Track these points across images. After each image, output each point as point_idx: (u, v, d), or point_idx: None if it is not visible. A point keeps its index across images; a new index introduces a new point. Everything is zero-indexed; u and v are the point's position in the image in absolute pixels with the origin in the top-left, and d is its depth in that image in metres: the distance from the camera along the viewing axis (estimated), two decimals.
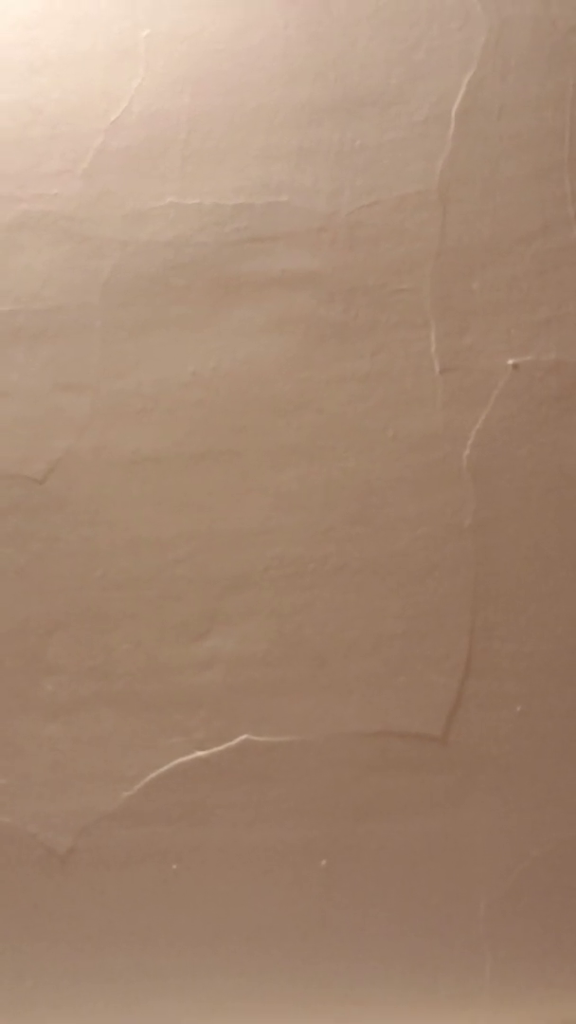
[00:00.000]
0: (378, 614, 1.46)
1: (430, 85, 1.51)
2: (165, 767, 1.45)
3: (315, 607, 1.46)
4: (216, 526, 1.48)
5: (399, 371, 1.48)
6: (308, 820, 1.44)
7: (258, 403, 1.49)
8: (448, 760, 1.44)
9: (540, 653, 1.44)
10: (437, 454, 1.47)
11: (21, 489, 1.49)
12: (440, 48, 1.51)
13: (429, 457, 1.47)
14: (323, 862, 1.43)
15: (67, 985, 1.44)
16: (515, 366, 1.47)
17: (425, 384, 1.48)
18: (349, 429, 1.48)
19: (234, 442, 1.48)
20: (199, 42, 1.53)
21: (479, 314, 1.48)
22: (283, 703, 1.45)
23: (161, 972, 1.44)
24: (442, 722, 1.44)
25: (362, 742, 1.44)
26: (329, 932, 1.43)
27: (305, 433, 1.48)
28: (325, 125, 1.51)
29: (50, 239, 1.52)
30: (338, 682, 1.45)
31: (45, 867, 1.45)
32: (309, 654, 1.45)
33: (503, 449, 1.47)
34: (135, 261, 1.51)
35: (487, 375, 1.47)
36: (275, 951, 1.43)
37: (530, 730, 1.43)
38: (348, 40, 1.52)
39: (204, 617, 1.47)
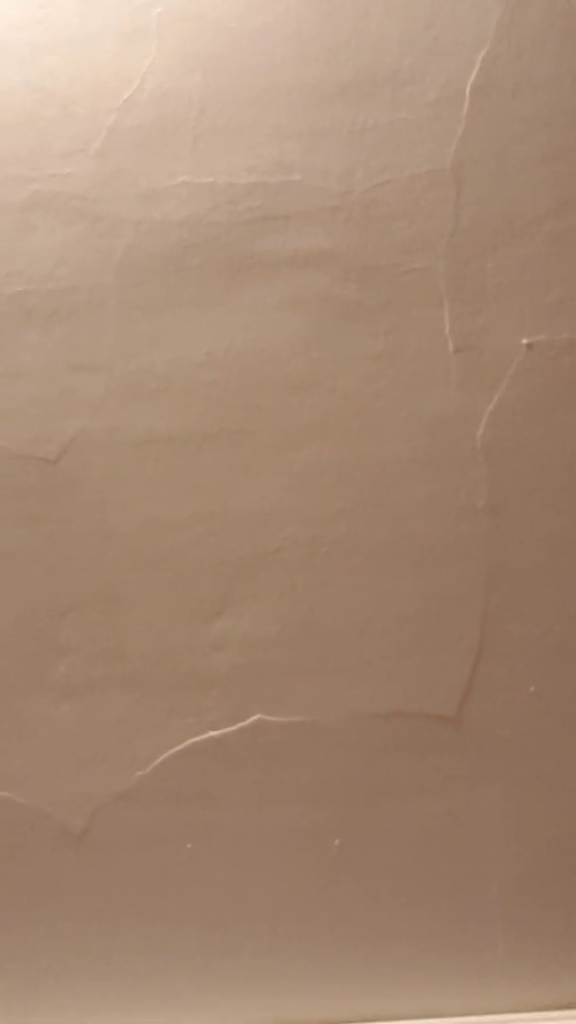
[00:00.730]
0: (391, 595, 1.45)
1: (443, 64, 1.50)
2: (178, 747, 1.45)
3: (328, 588, 1.46)
4: (229, 507, 1.47)
5: (413, 351, 1.48)
6: (321, 801, 1.44)
7: (271, 383, 1.48)
8: (461, 741, 1.44)
9: (553, 634, 1.44)
10: (451, 434, 1.47)
11: (34, 470, 1.49)
12: (453, 26, 1.50)
13: (442, 437, 1.47)
14: (336, 842, 1.43)
15: (81, 964, 1.45)
16: (529, 346, 1.47)
17: (439, 364, 1.47)
18: (362, 409, 1.47)
19: (247, 422, 1.48)
20: (211, 21, 1.52)
21: (493, 294, 1.48)
22: (296, 684, 1.45)
23: (174, 951, 1.44)
24: (455, 703, 1.44)
25: (375, 723, 1.44)
26: (341, 912, 1.43)
27: (318, 413, 1.48)
28: (338, 104, 1.50)
29: (63, 219, 1.51)
30: (351, 663, 1.45)
31: (60, 847, 1.46)
32: (322, 635, 1.45)
33: (517, 429, 1.47)
34: (148, 241, 1.51)
35: (501, 355, 1.47)
36: (287, 931, 1.43)
37: (543, 711, 1.43)
38: (361, 19, 1.51)
39: (217, 598, 1.47)
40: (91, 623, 1.48)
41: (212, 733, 1.45)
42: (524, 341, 1.47)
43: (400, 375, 1.48)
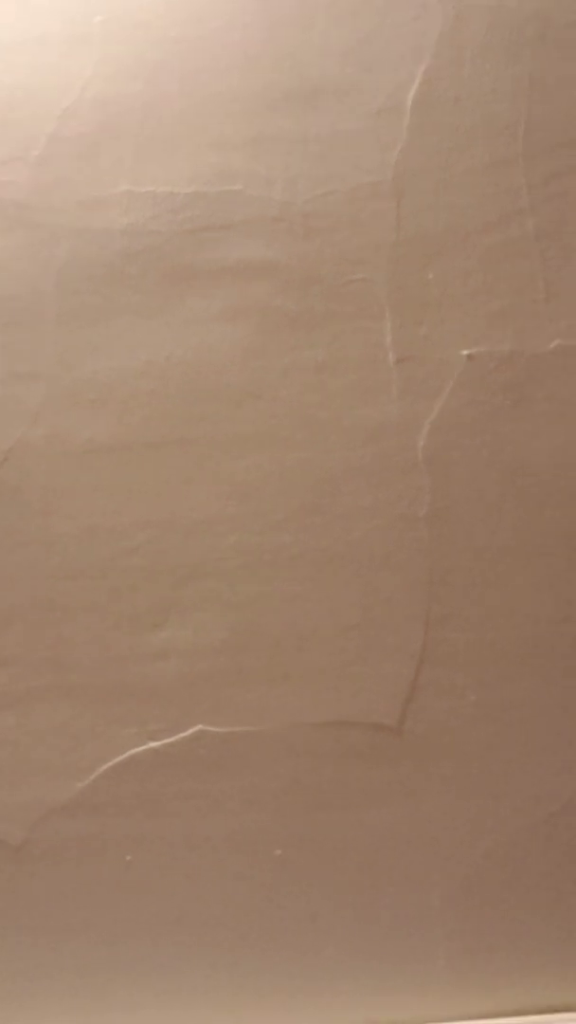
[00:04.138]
0: (333, 604, 1.46)
1: (386, 75, 1.51)
2: (119, 758, 1.44)
3: (270, 597, 1.46)
4: (171, 516, 1.47)
5: (354, 361, 1.48)
6: (263, 810, 1.43)
7: (212, 392, 1.48)
8: (403, 750, 1.44)
9: (495, 643, 1.45)
10: (392, 444, 1.47)
11: None
12: (396, 38, 1.51)
13: (384, 447, 1.47)
14: (278, 852, 1.43)
15: (22, 977, 1.43)
16: (470, 357, 1.48)
17: (380, 374, 1.48)
18: (304, 419, 1.48)
19: (188, 431, 1.48)
20: (154, 28, 1.52)
21: (434, 305, 1.48)
22: (238, 693, 1.45)
23: (117, 963, 1.43)
24: (397, 712, 1.44)
25: (317, 732, 1.44)
26: (284, 921, 1.43)
27: (260, 422, 1.48)
28: (280, 113, 1.51)
29: (2, 226, 1.50)
30: (293, 672, 1.45)
31: None
32: (264, 644, 1.45)
33: (458, 439, 1.47)
34: (88, 249, 1.50)
35: (442, 365, 1.48)
36: (230, 941, 1.42)
37: (485, 719, 1.44)
38: (305, 29, 1.52)
39: (159, 607, 1.46)
40: (32, 632, 1.46)
41: (153, 744, 1.44)
42: (465, 352, 1.48)
43: (342, 385, 1.48)
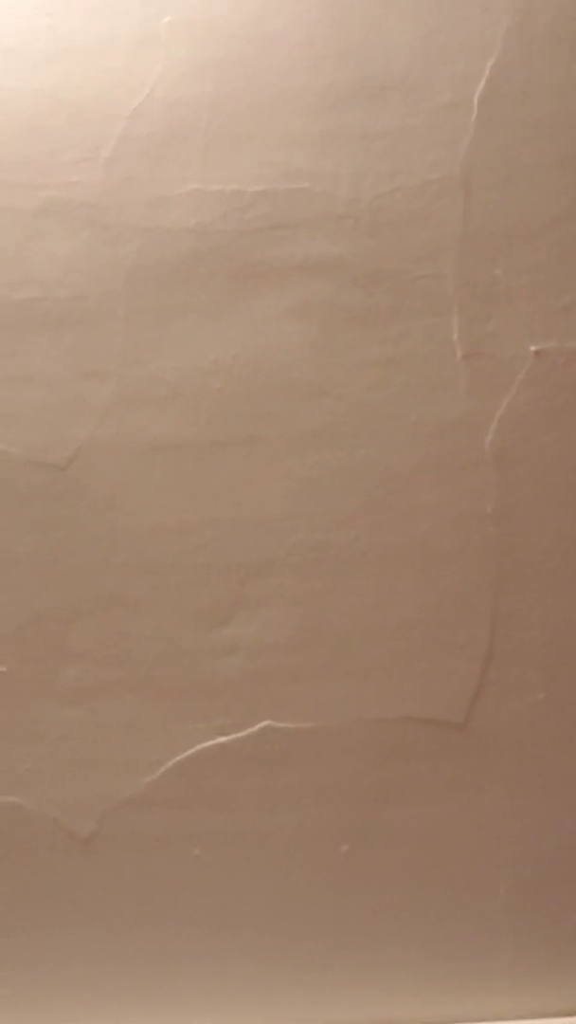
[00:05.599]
0: (399, 600, 1.46)
1: (453, 70, 1.50)
2: (186, 753, 1.45)
3: (336, 593, 1.46)
4: (237, 513, 1.48)
5: (421, 357, 1.48)
6: (329, 806, 1.44)
7: (279, 390, 1.49)
8: (469, 747, 1.44)
9: (562, 640, 1.44)
10: (459, 440, 1.47)
11: (43, 476, 1.50)
12: (463, 32, 1.50)
13: (451, 443, 1.47)
14: (344, 847, 1.44)
15: (86, 969, 1.45)
16: (538, 352, 1.47)
17: (447, 370, 1.47)
18: (371, 415, 1.48)
19: (255, 429, 1.48)
20: (221, 27, 1.52)
21: (502, 300, 1.48)
22: (304, 689, 1.45)
23: (181, 956, 1.44)
24: (463, 709, 1.44)
25: (383, 728, 1.44)
26: (349, 917, 1.43)
27: (327, 420, 1.48)
28: (347, 110, 1.50)
29: (72, 226, 1.52)
30: (359, 668, 1.45)
31: (67, 852, 1.46)
32: (330, 640, 1.46)
33: (525, 436, 1.47)
34: (157, 248, 1.51)
35: (509, 361, 1.47)
36: (294, 936, 1.43)
37: (551, 717, 1.43)
38: (371, 25, 1.51)
39: (225, 604, 1.47)
40: (100, 628, 1.48)
41: (220, 739, 1.45)
42: (533, 348, 1.47)
43: (409, 382, 1.48)
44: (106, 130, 1.52)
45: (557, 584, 1.45)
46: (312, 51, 1.51)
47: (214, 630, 1.47)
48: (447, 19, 1.51)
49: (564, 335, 1.47)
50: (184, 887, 1.45)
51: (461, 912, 1.42)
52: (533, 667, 1.44)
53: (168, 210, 1.51)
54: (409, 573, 1.46)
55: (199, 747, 1.45)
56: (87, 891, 1.46)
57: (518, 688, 1.43)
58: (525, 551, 1.45)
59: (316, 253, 1.49)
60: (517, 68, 1.49)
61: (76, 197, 1.52)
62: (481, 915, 1.42)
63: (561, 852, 1.42)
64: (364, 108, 1.50)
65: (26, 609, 1.49)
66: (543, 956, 1.42)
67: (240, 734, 1.45)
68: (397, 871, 1.43)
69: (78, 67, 1.53)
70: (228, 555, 1.47)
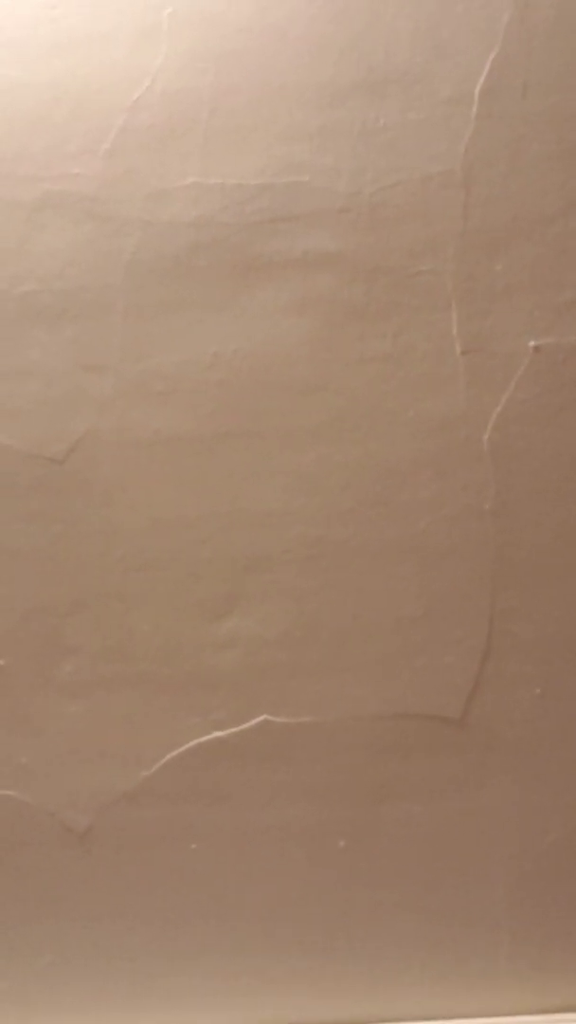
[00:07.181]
0: (397, 596, 1.45)
1: (453, 64, 1.50)
2: (183, 747, 1.45)
3: (334, 588, 1.46)
4: (236, 507, 1.48)
5: (420, 353, 1.48)
6: (326, 801, 1.44)
7: (279, 384, 1.48)
8: (466, 742, 1.44)
9: (559, 636, 1.44)
10: (458, 436, 1.47)
11: (42, 469, 1.50)
12: (464, 26, 1.50)
13: (450, 439, 1.47)
14: (341, 842, 1.44)
15: (83, 963, 1.45)
16: (537, 348, 1.47)
17: (446, 366, 1.47)
18: (369, 410, 1.47)
19: (254, 423, 1.48)
20: (222, 20, 1.52)
21: (501, 295, 1.47)
22: (302, 684, 1.45)
23: (178, 950, 1.44)
24: (460, 704, 1.44)
25: (380, 724, 1.44)
26: (345, 913, 1.43)
27: (325, 414, 1.48)
28: (347, 104, 1.50)
29: (72, 219, 1.51)
30: (357, 664, 1.45)
31: (63, 846, 1.46)
32: (328, 635, 1.46)
33: (524, 432, 1.46)
34: (157, 241, 1.51)
35: (509, 357, 1.47)
36: (291, 931, 1.43)
37: (549, 713, 1.43)
38: (371, 18, 1.51)
39: (224, 598, 1.47)
40: (98, 622, 1.48)
41: (217, 733, 1.45)
42: (532, 343, 1.47)
43: (407, 377, 1.47)
44: (107, 123, 1.52)
45: (554, 580, 1.45)
46: (313, 45, 1.51)
47: (212, 624, 1.47)
48: (448, 13, 1.50)
49: (564, 331, 1.47)
50: (181, 881, 1.45)
51: (459, 907, 1.42)
52: (530, 663, 1.44)
53: (168, 203, 1.51)
54: (407, 568, 1.46)
55: (196, 741, 1.45)
56: (83, 885, 1.46)
57: (515, 684, 1.43)
58: (523, 547, 1.45)
59: (316, 247, 1.49)
60: (518, 62, 1.49)
61: (76, 190, 1.52)
62: (479, 910, 1.42)
63: (559, 847, 1.42)
64: (365, 102, 1.50)
65: (23, 603, 1.49)
66: (541, 952, 1.42)
67: (237, 728, 1.45)
68: (395, 866, 1.43)
69: (78, 59, 1.53)
70: (226, 549, 1.47)
